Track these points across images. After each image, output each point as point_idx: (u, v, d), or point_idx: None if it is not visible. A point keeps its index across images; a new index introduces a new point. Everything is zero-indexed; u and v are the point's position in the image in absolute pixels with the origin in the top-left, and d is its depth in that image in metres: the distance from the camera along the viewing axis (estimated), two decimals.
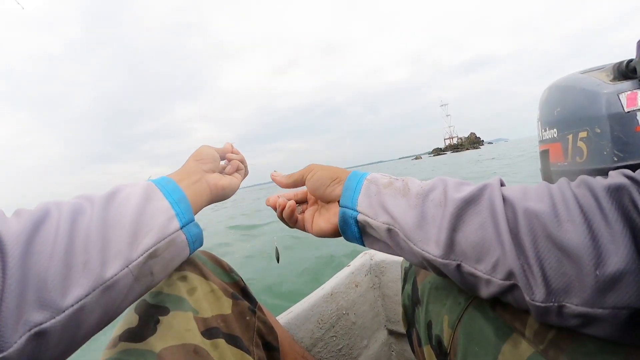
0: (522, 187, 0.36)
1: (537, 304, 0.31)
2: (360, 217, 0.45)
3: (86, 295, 0.34)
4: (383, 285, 1.08)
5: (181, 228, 0.44)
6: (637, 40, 0.78)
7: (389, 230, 0.42)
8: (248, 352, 0.48)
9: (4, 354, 0.29)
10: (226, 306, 0.50)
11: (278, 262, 0.74)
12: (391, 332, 1.11)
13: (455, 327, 0.41)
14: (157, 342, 0.41)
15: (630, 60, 0.79)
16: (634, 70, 0.77)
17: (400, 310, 1.04)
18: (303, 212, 0.55)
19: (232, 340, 0.46)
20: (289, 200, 0.54)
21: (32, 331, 0.30)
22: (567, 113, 0.86)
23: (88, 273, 0.35)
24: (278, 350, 0.56)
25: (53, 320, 0.32)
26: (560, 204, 0.31)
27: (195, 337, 0.43)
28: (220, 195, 0.57)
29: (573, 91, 0.85)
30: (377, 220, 0.43)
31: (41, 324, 0.31)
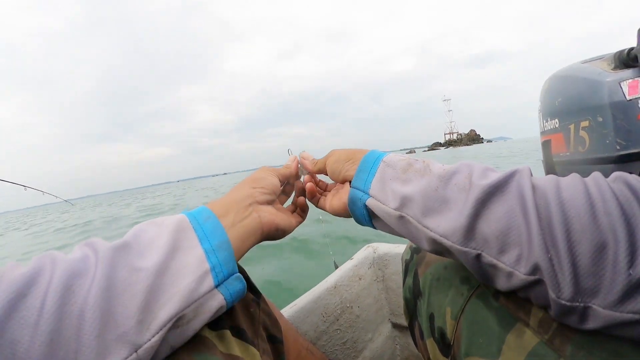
0: (553, 177, 0.34)
1: (563, 302, 0.29)
2: (370, 202, 0.43)
3: None
4: (387, 278, 1.09)
5: (216, 287, 0.37)
6: (638, 28, 0.77)
7: (401, 217, 0.40)
8: (253, 344, 0.46)
9: None
10: None
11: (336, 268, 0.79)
12: (395, 325, 1.11)
13: (459, 319, 0.41)
14: None
15: (632, 49, 0.78)
16: (635, 59, 0.77)
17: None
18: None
19: (237, 332, 0.45)
20: (308, 182, 0.56)
21: None
22: (569, 103, 0.86)
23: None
24: (282, 342, 0.55)
25: None
26: (596, 197, 0.29)
27: (202, 328, 0.41)
28: (272, 236, 0.49)
29: (574, 80, 0.85)
30: (388, 206, 0.41)
31: None
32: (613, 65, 0.81)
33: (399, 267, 1.05)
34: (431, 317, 0.46)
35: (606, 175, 0.83)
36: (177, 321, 0.33)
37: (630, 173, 0.77)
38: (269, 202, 0.50)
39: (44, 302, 0.27)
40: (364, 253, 1.09)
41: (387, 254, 1.07)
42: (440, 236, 0.36)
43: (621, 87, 0.76)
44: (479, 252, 0.34)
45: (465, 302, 0.41)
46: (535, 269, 0.31)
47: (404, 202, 0.40)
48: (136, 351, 0.29)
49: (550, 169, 0.93)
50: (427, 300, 0.47)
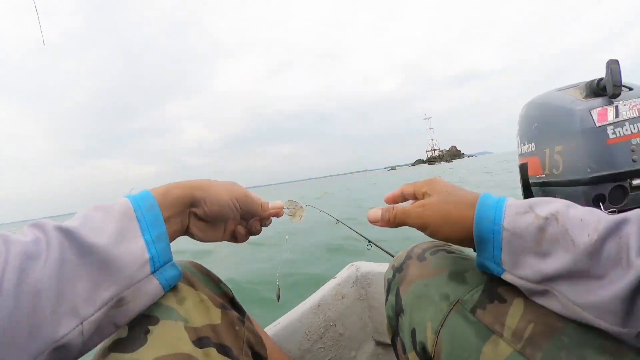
0: None
1: None
2: (507, 276, 0.39)
3: (35, 358, 0.32)
4: (370, 297, 1.09)
5: (153, 273, 0.41)
6: (607, 60, 0.83)
7: (545, 292, 0.36)
8: None
9: None
10: (216, 316, 0.50)
11: (279, 300, 0.72)
12: (379, 343, 1.11)
13: (439, 333, 0.43)
14: (149, 352, 0.40)
15: (601, 79, 0.84)
16: (604, 88, 0.82)
17: None
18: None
19: (223, 350, 0.46)
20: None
21: None
22: (544, 128, 0.90)
23: (36, 337, 0.32)
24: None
25: None
26: None
27: (187, 346, 0.42)
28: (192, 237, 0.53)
29: (550, 108, 0.90)
30: (528, 280, 0.37)
31: None
32: (585, 94, 0.86)
33: (382, 286, 1.05)
34: (413, 332, 0.48)
35: (579, 196, 0.86)
36: (119, 301, 0.38)
37: (601, 194, 0.81)
38: (205, 221, 0.51)
39: (1, 283, 0.30)
40: (347, 272, 1.10)
41: (370, 273, 1.08)
42: (596, 318, 0.32)
43: (591, 114, 0.81)
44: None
45: (445, 317, 0.43)
46: None
47: (547, 279, 0.35)
48: (81, 323, 0.34)
49: (526, 190, 0.97)
50: (409, 316, 0.49)
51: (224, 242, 0.58)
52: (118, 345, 0.40)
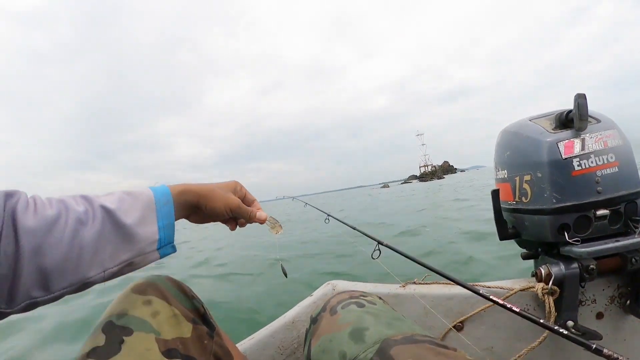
0: None
1: None
2: None
3: (69, 287, 0.44)
4: None
5: (158, 249, 0.53)
6: (574, 94, 0.87)
7: None
8: None
9: (8, 311, 0.41)
10: (186, 330, 0.54)
11: (286, 277, 0.86)
12: None
13: None
14: None
15: (570, 111, 0.87)
16: (572, 121, 0.86)
17: None
18: None
19: None
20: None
21: (29, 302, 0.42)
22: (515, 157, 0.94)
23: (75, 273, 0.44)
24: None
25: (44, 298, 0.43)
26: None
27: (155, 357, 0.47)
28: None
29: (520, 137, 0.93)
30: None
31: (36, 298, 0.42)
32: (554, 125, 0.90)
33: None
34: None
35: (545, 224, 0.88)
36: (130, 263, 0.49)
37: (566, 223, 0.84)
38: (202, 217, 0.64)
39: (63, 234, 0.43)
40: (323, 290, 1.12)
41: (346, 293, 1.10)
42: None
43: (558, 147, 0.84)
44: None
45: None
46: None
47: None
48: (104, 272, 0.47)
49: (497, 214, 1.00)
50: None
51: None
52: (94, 353, 0.46)
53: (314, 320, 0.62)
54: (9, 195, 0.42)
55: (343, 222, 1.27)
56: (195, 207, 0.60)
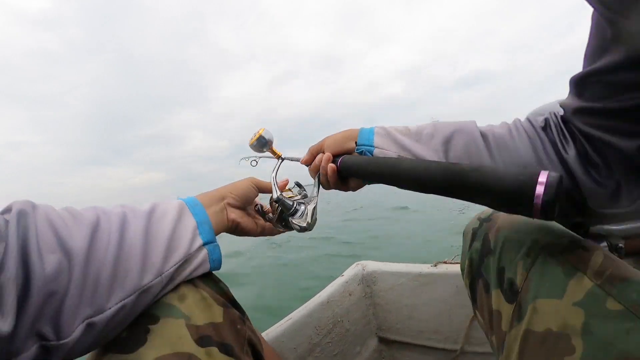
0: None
1: None
2: (376, 151, 0.61)
3: (126, 298, 0.40)
4: (374, 295, 1.15)
5: (204, 245, 0.50)
6: None
7: (398, 157, 0.59)
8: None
9: (65, 340, 0.36)
10: (217, 314, 0.49)
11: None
12: (382, 340, 1.16)
13: (529, 270, 0.49)
14: (149, 352, 0.40)
15: None
16: None
17: (391, 317, 1.10)
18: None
19: (225, 349, 0.45)
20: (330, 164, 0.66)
21: (85, 323, 0.37)
22: None
23: (129, 280, 0.41)
24: None
25: (101, 315, 0.38)
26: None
27: (189, 345, 0.42)
28: (234, 231, 0.63)
29: None
30: (390, 150, 0.60)
31: (92, 317, 0.38)
32: None
33: (386, 284, 1.11)
34: (501, 270, 0.54)
35: None
36: (183, 264, 0.47)
37: None
38: (238, 207, 0.62)
39: (110, 237, 0.41)
40: (353, 270, 1.15)
41: (376, 272, 1.13)
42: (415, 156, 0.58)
43: None
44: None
45: (536, 257, 0.50)
46: None
47: (400, 146, 0.59)
48: (160, 275, 0.44)
49: None
50: (499, 256, 0.55)
51: None
52: (117, 345, 0.41)
53: (486, 219, 0.63)
54: (32, 205, 0.39)
55: None
56: (223, 197, 0.60)
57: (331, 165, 0.65)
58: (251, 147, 0.71)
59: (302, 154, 0.73)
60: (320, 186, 0.68)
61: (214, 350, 0.44)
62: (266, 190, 0.67)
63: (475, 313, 0.64)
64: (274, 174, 0.69)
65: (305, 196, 0.68)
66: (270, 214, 0.66)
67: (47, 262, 0.35)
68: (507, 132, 0.53)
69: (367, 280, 1.15)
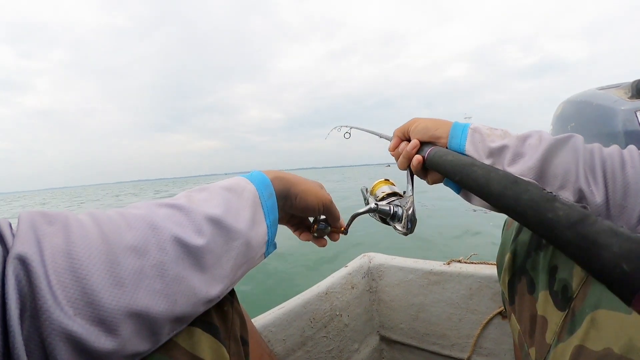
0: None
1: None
2: (468, 151, 0.55)
3: (194, 314, 0.39)
4: (380, 290, 1.06)
5: (265, 256, 0.49)
6: None
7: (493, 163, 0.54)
8: (224, 345, 0.44)
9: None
10: None
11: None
12: (383, 338, 1.08)
13: None
14: None
15: None
16: None
17: (395, 316, 1.02)
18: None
19: (209, 328, 0.44)
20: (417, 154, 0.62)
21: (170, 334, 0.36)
22: (582, 128, 0.84)
23: (198, 296, 0.38)
24: (248, 345, 0.52)
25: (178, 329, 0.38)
26: (627, 154, 0.45)
27: None
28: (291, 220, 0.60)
29: (589, 106, 0.83)
30: (481, 159, 0.53)
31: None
32: (630, 94, 0.79)
33: (393, 280, 1.02)
34: (553, 269, 0.46)
35: None
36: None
37: None
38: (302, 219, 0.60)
39: (165, 251, 0.35)
40: (359, 262, 1.07)
41: (383, 265, 1.05)
42: (520, 175, 0.46)
43: (637, 116, 0.74)
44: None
45: None
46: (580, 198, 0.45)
47: (493, 159, 0.53)
48: (229, 287, 0.42)
49: None
50: (552, 252, 0.48)
51: None
52: None
53: None
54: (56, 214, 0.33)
55: None
56: (285, 197, 0.52)
57: (417, 156, 0.62)
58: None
59: (354, 131, 0.72)
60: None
61: (196, 330, 0.41)
62: (331, 216, 0.58)
63: (509, 316, 0.55)
64: (356, 212, 0.62)
65: (399, 196, 0.67)
66: (315, 234, 0.59)
67: None
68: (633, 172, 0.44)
69: (373, 274, 1.07)
